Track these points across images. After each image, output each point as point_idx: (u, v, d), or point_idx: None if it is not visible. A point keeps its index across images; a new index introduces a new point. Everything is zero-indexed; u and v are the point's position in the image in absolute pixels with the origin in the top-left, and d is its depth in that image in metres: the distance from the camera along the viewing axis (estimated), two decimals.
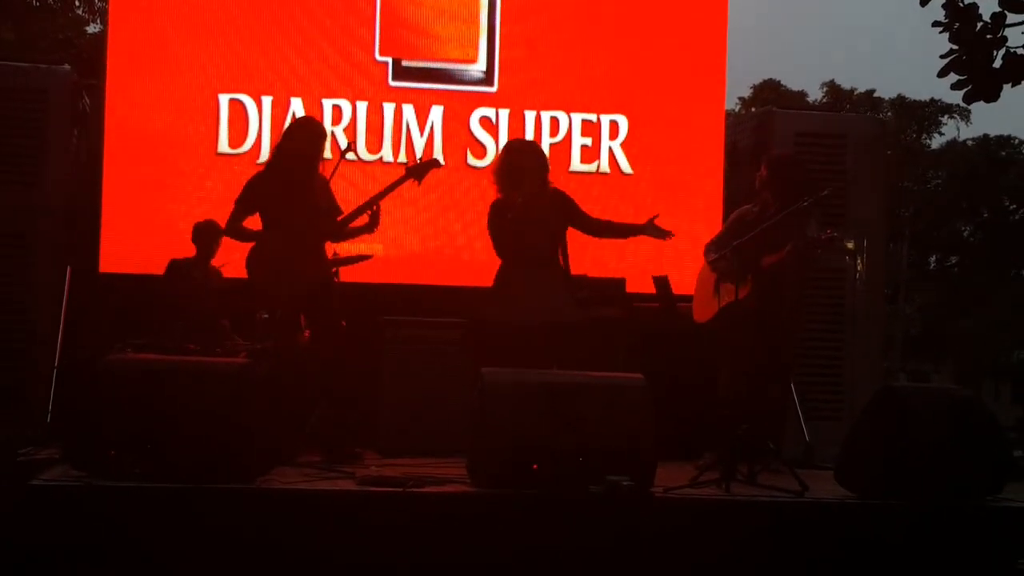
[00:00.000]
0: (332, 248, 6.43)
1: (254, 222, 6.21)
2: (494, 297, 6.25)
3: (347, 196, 6.56)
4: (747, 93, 33.69)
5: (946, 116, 36.37)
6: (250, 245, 6.11)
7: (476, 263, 7.29)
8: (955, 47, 6.90)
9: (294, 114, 7.56)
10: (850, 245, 8.01)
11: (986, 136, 36.63)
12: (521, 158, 6.29)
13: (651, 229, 6.33)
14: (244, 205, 6.16)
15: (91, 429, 4.81)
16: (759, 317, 6.14)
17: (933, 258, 38.46)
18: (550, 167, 6.41)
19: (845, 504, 5.25)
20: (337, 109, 7.75)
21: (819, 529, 5.10)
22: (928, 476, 5.13)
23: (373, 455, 6.26)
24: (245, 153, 7.66)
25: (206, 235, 7.15)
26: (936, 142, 37.01)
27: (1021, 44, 6.91)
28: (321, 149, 6.26)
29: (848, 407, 7.87)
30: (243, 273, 6.19)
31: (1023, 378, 30.91)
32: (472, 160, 7.87)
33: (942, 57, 6.94)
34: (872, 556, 5.04)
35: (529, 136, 7.77)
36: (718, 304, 6.37)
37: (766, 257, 6.17)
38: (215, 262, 7.19)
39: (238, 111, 7.69)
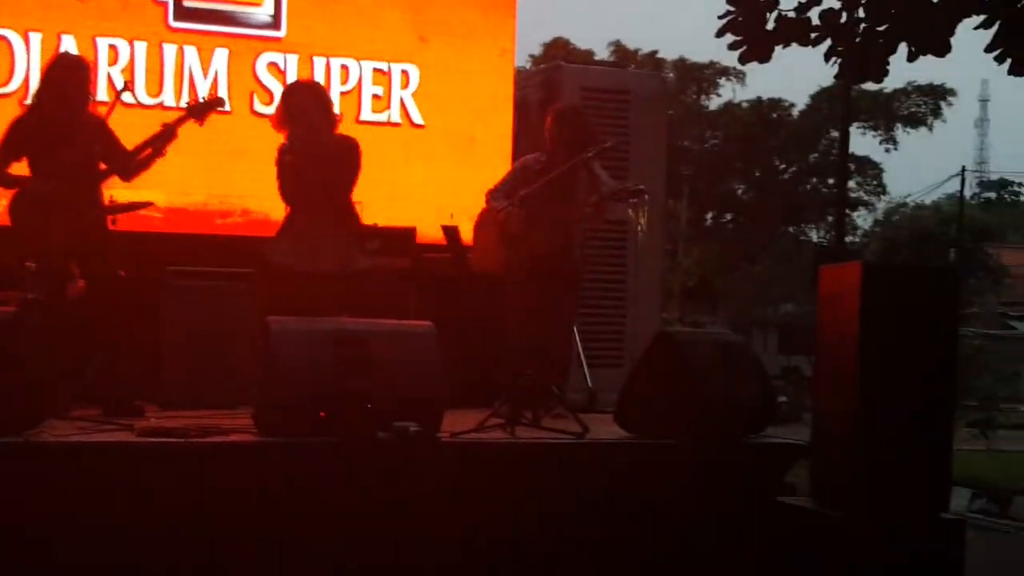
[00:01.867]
0: (108, 195, 6.22)
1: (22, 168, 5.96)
2: (280, 243, 6.18)
3: (125, 141, 6.34)
4: (537, 51, 34.07)
5: (723, 78, 37.69)
6: (14, 192, 5.86)
7: (262, 212, 7.19)
8: (732, 8, 7.16)
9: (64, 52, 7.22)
10: (635, 199, 8.23)
11: (759, 98, 38.08)
12: (299, 97, 6.20)
13: None
14: (7, 149, 5.88)
15: None
16: (548, 266, 6.24)
17: (710, 215, 39.86)
18: (340, 115, 6.35)
19: (622, 443, 5.45)
20: (113, 49, 7.44)
21: (599, 468, 5.28)
22: (700, 415, 5.37)
23: (155, 409, 6.12)
24: (11, 94, 7.27)
25: None
26: (714, 103, 38.33)
27: (793, 7, 7.23)
28: (85, 88, 6.01)
29: (629, 355, 8.13)
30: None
31: (789, 330, 32.41)
32: (259, 106, 7.72)
33: (720, 18, 7.20)
34: (648, 492, 5.26)
35: None
36: (507, 252, 6.46)
37: (560, 208, 6.30)
38: None
39: (3, 48, 7.30)
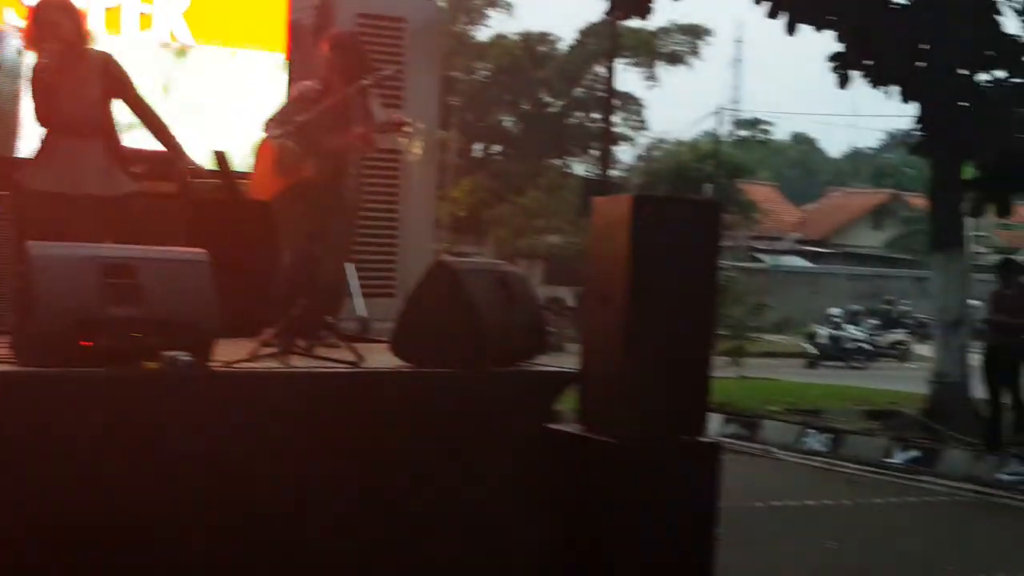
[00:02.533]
0: None
1: None
2: (36, 166, 5.90)
3: None
4: None
5: (491, 9, 37.87)
6: None
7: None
8: None
9: None
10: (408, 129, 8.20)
11: (528, 32, 38.46)
12: (49, 12, 5.89)
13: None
14: None
15: None
16: (322, 195, 6.18)
17: (478, 146, 40.14)
18: (92, 31, 6.07)
19: (398, 372, 5.48)
20: None
21: (374, 396, 5.30)
22: (475, 344, 5.44)
23: None
24: None
25: None
26: (483, 34, 38.49)
27: None
28: None
29: (401, 285, 8.16)
30: None
31: (554, 261, 33.07)
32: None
33: None
34: (423, 421, 5.30)
35: None
36: (281, 181, 6.36)
37: (334, 137, 6.23)
38: None
39: None
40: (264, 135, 6.48)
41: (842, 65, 13.36)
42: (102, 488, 4.60)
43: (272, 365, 5.34)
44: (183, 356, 4.72)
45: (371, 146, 6.47)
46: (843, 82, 13.37)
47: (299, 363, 5.43)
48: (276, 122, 6.42)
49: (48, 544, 4.52)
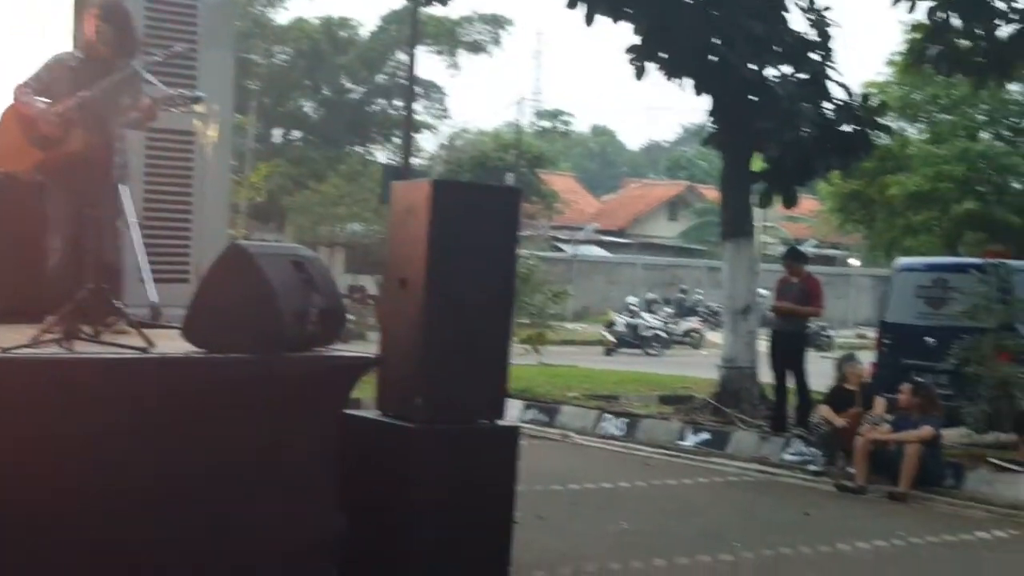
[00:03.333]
0: None
1: None
2: None
3: None
4: None
5: None
6: None
7: None
8: None
9: None
10: (201, 108, 7.99)
11: (329, 16, 38.06)
12: None
13: None
14: None
15: None
16: (91, 170, 5.86)
17: (278, 132, 39.52)
18: None
19: (191, 358, 5.32)
20: None
21: (165, 382, 5.14)
22: (271, 329, 5.33)
23: None
24: None
25: None
26: (282, 18, 37.88)
27: None
28: None
29: (195, 270, 7.94)
30: None
31: (355, 249, 32.82)
32: None
33: None
34: (217, 407, 5.18)
35: None
36: (37, 153, 6.04)
37: (110, 108, 5.97)
38: None
39: None
40: (17, 103, 6.08)
41: (638, 57, 13.63)
42: None
43: (54, 351, 5.10)
44: None
45: (151, 119, 6.20)
46: (639, 74, 13.66)
47: (84, 349, 5.21)
48: (31, 89, 6.04)
49: None
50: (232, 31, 8.85)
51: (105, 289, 5.64)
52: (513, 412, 10.87)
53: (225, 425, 5.19)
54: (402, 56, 37.06)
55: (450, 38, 38.29)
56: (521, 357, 16.69)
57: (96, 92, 5.81)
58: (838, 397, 10.68)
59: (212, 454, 5.16)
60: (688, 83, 13.63)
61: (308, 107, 40.19)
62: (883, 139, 16.46)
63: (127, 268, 6.61)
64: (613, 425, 12.62)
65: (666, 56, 13.52)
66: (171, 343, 5.53)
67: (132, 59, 6.15)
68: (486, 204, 6.15)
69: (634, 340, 27.00)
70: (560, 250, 41.44)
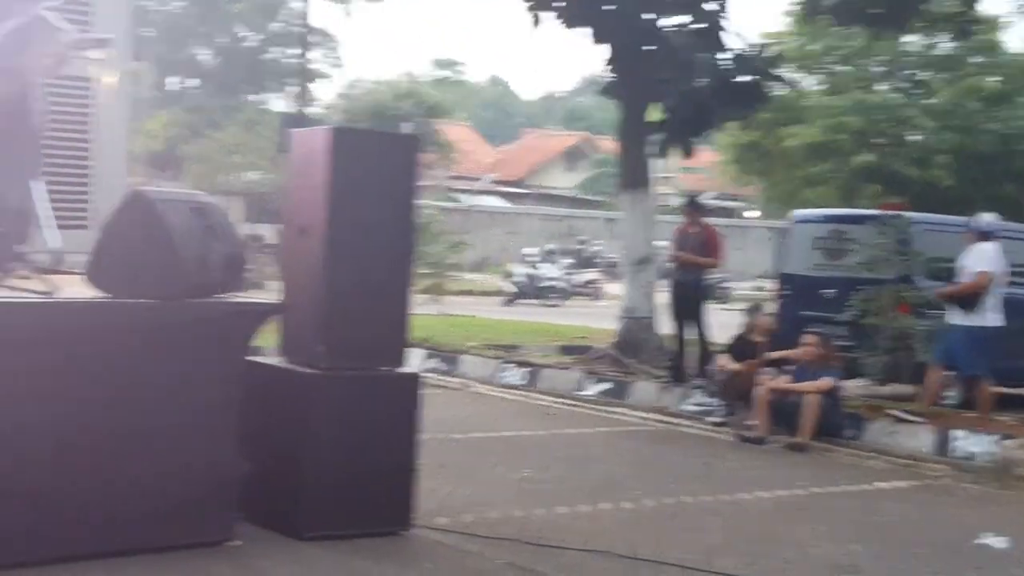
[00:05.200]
0: None
1: None
2: None
3: None
4: None
5: None
6: None
7: None
8: None
9: None
10: (99, 55, 7.86)
11: None
12: None
13: None
14: None
15: None
16: (4, 117, 5.80)
17: (174, 79, 38.79)
18: None
19: (94, 302, 5.32)
20: None
21: (69, 326, 5.14)
22: (172, 275, 5.33)
23: None
24: None
25: None
26: None
27: None
28: None
29: (94, 216, 7.85)
30: None
31: (253, 198, 32.43)
32: None
33: None
34: (118, 352, 5.18)
35: None
36: None
37: (21, 55, 5.88)
38: None
39: None
40: None
41: (535, 6, 13.64)
42: None
43: None
44: None
45: (62, 66, 6.15)
46: (536, 22, 13.67)
47: None
48: None
49: None
50: None
51: (12, 234, 5.59)
52: (414, 361, 10.92)
53: (128, 370, 5.22)
54: (296, 4, 36.55)
55: None
56: (421, 307, 16.71)
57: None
58: (739, 347, 10.81)
59: (115, 399, 5.18)
60: (585, 32, 13.67)
61: (204, 55, 39.47)
62: (779, 90, 16.65)
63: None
64: (514, 375, 12.76)
65: (563, 4, 13.54)
66: (74, 289, 5.51)
67: (31, 4, 6.05)
68: (385, 151, 6.15)
69: (533, 291, 27.21)
70: (457, 200, 41.45)
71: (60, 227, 7.33)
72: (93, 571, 5.05)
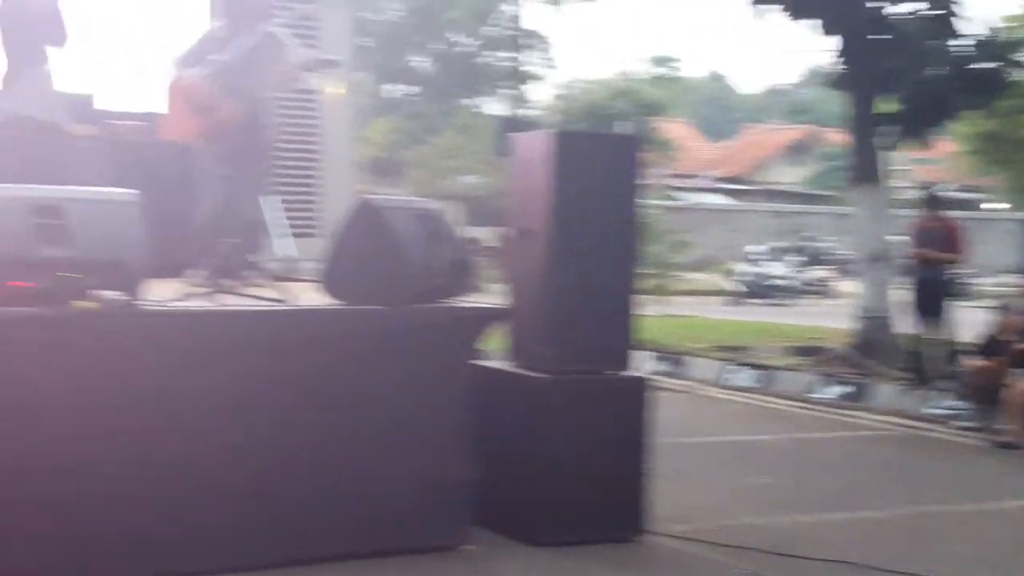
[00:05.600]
0: None
1: None
2: None
3: None
4: None
5: None
6: None
7: None
8: None
9: None
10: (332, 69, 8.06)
11: None
12: None
13: None
14: None
15: None
16: (241, 135, 6.01)
17: (392, 87, 39.76)
18: None
19: (327, 309, 5.45)
20: None
21: (305, 332, 5.23)
22: (402, 281, 5.36)
23: None
24: None
25: None
26: None
27: None
28: None
29: (323, 224, 8.01)
30: None
31: (471, 201, 32.89)
32: None
33: None
34: (352, 358, 5.22)
35: None
36: (197, 121, 6.19)
37: (254, 74, 6.08)
38: None
39: None
40: (176, 75, 6.30)
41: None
42: (38, 425, 4.56)
43: (203, 304, 5.27)
44: (115, 295, 4.64)
45: (294, 83, 6.36)
46: (759, 16, 13.34)
47: (228, 302, 5.38)
48: (188, 62, 6.27)
49: None
50: None
51: (245, 245, 5.77)
52: (641, 363, 10.73)
53: (359, 375, 5.27)
54: (508, 7, 36.90)
55: None
56: (644, 307, 16.53)
57: (232, 58, 5.92)
58: (990, 348, 10.18)
59: (347, 403, 5.24)
60: (812, 24, 13.26)
61: (420, 62, 40.31)
62: (1021, 76, 15.80)
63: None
64: (743, 376, 12.41)
65: None
66: (307, 296, 5.64)
67: (263, 23, 6.25)
68: (606, 152, 6.05)
69: (759, 290, 26.58)
70: (678, 199, 40.98)
71: (293, 235, 7.53)
72: (337, 573, 5.12)
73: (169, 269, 5.89)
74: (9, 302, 4.52)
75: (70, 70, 6.97)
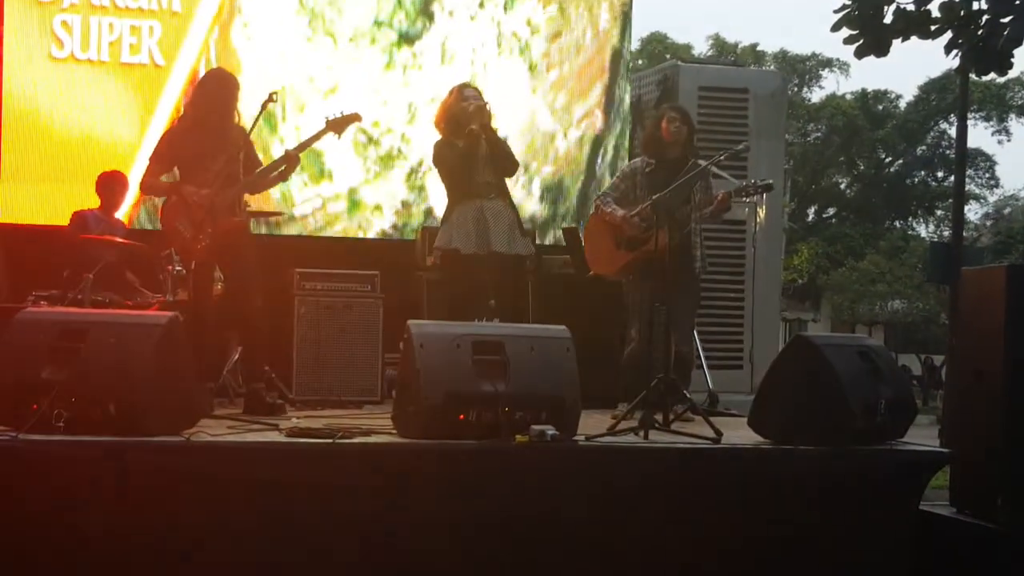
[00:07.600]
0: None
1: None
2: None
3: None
4: (635, 46, 33.93)
5: (826, 70, 37.17)
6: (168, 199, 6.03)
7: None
8: (848, 2, 7.06)
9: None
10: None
11: (864, 90, 37.45)
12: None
13: None
14: (160, 160, 6.05)
15: (10, 382, 4.64)
16: (671, 266, 6.13)
17: (812, 210, 39.31)
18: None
19: (760, 449, 5.37)
20: None
21: (736, 472, 5.22)
22: (840, 421, 5.27)
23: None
24: None
25: (111, 186, 7.02)
26: (816, 95, 37.79)
27: (910, 0, 7.10)
28: (234, 99, 6.09)
29: (749, 356, 8.06)
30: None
31: (895, 327, 31.85)
32: None
33: (835, 12, 7.10)
34: (785, 499, 5.18)
35: None
36: (625, 255, 6.46)
37: (684, 206, 6.27)
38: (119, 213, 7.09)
39: None
40: (600, 212, 6.60)
41: None
42: (468, 548, 4.80)
43: (632, 439, 5.35)
44: (550, 430, 4.82)
45: (724, 212, 6.48)
46: None
47: (658, 438, 5.40)
48: (611, 198, 6.59)
49: None
50: (783, 120, 9.01)
51: (675, 379, 5.87)
52: None
53: (793, 520, 5.17)
54: (943, 125, 35.71)
55: (998, 103, 36.23)
56: None
57: (670, 193, 6.10)
58: None
59: (780, 551, 5.16)
60: None
61: (843, 183, 39.67)
62: None
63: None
64: None
65: None
66: (734, 432, 5.62)
67: (693, 155, 6.45)
68: None
69: None
70: None
71: (715, 367, 7.63)
72: None
73: (598, 399, 6.12)
74: (456, 435, 4.83)
75: None
